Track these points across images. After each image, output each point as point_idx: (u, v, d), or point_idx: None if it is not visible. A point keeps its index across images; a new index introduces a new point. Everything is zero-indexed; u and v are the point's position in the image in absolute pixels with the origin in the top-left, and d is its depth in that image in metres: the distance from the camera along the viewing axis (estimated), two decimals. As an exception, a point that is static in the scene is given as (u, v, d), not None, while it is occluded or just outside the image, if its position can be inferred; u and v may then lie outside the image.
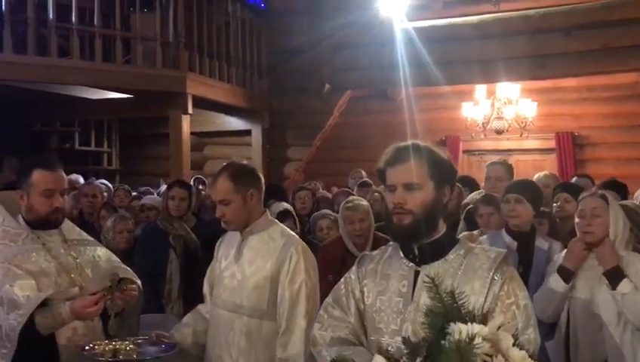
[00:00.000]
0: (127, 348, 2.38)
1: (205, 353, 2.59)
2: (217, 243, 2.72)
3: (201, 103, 7.58)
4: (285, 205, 3.99)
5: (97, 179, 6.72)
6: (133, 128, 9.73)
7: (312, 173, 8.69)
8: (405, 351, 1.50)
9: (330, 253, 3.72)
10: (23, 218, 2.49)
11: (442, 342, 1.45)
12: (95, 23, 6.56)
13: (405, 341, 1.52)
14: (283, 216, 3.87)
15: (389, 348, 1.74)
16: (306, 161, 8.96)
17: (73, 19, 6.36)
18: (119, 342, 2.39)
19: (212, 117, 8.86)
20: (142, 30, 6.92)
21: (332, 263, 3.54)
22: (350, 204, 3.79)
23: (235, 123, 9.02)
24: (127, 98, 7.59)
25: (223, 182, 2.52)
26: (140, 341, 2.49)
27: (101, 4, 6.54)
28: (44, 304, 2.24)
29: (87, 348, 2.34)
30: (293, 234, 2.67)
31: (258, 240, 2.54)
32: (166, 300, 4.09)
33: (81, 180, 6.65)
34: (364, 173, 6.81)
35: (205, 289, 2.71)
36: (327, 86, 8.62)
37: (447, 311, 1.47)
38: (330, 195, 6.20)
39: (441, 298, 1.48)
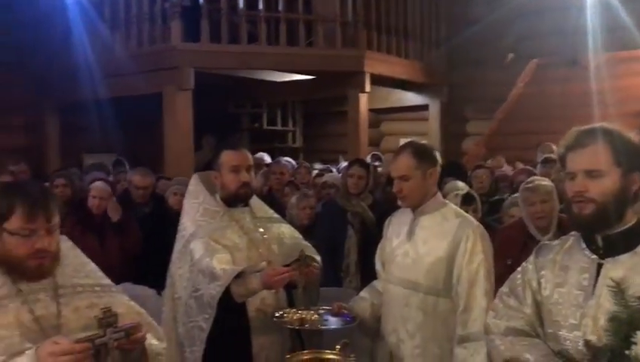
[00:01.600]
0: (313, 318, 2.56)
1: (380, 326, 2.68)
2: (386, 223, 2.78)
3: (378, 80, 7.67)
4: (462, 185, 3.90)
5: (283, 156, 7.18)
6: (315, 107, 10.16)
7: (494, 147, 8.35)
8: (586, 356, 1.42)
9: (510, 237, 3.57)
10: (220, 197, 2.77)
11: (627, 351, 1.35)
12: (279, 8, 6.93)
13: (588, 344, 1.43)
14: (467, 201, 3.78)
15: (567, 342, 1.66)
16: (487, 135, 8.64)
17: (260, 6, 6.79)
18: (305, 312, 2.59)
19: (389, 93, 8.92)
20: (322, 12, 7.17)
21: (512, 247, 3.41)
22: (530, 185, 3.58)
23: (411, 98, 8.99)
24: (309, 79, 7.95)
25: (405, 158, 2.56)
26: (322, 311, 2.66)
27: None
28: (237, 275, 2.49)
29: (277, 314, 2.58)
30: (467, 215, 2.65)
31: (430, 220, 2.55)
32: (344, 274, 4.26)
33: (267, 158, 7.15)
34: (554, 147, 6.05)
35: (377, 266, 2.79)
36: (510, 55, 8.20)
37: (634, 318, 1.35)
38: (511, 173, 5.91)
39: (626, 303, 1.37)
